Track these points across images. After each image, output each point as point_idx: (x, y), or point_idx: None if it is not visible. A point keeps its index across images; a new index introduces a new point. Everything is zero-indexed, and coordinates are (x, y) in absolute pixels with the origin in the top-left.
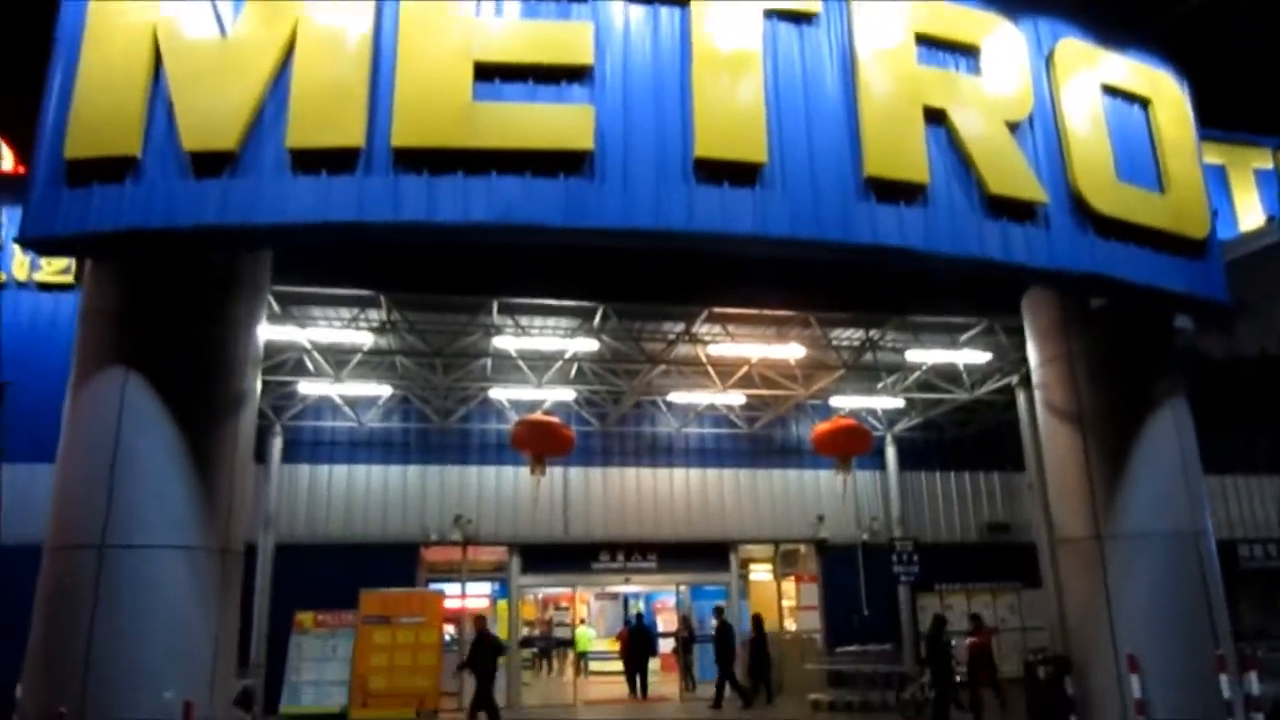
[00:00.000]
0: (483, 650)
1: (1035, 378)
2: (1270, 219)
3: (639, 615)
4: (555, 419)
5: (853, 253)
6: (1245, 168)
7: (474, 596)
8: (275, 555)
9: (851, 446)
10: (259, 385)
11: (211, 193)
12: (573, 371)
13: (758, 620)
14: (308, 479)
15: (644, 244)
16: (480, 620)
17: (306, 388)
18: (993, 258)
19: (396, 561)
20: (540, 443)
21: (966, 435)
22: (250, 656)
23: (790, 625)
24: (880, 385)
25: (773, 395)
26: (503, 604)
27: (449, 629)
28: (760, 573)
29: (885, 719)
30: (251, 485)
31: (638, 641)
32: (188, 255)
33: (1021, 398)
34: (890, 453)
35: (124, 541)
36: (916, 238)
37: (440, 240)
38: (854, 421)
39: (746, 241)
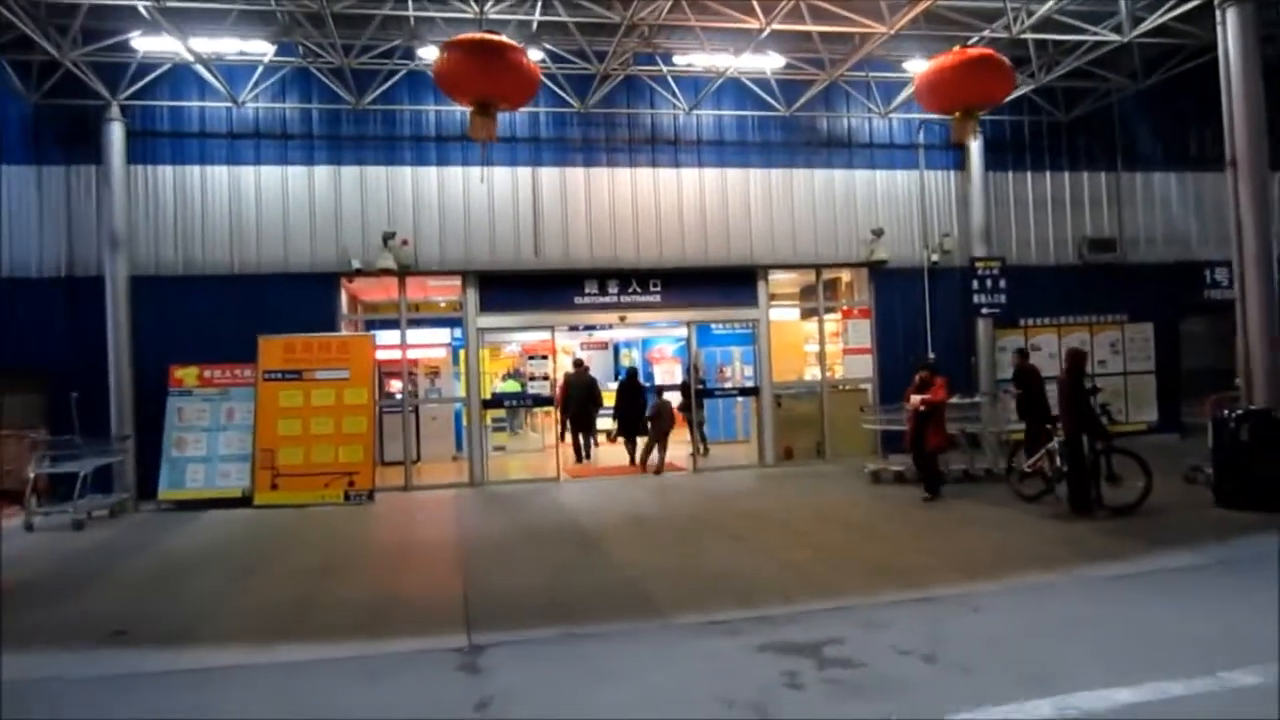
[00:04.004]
0: None
1: None
2: None
3: (577, 362)
4: (507, 39)
5: None
6: None
7: (423, 345)
8: (132, 290)
9: (983, 90)
10: None
11: None
12: (537, 9)
13: (631, 371)
14: (172, 185)
15: None
16: None
17: (145, 44)
18: None
19: (308, 298)
20: (483, 78)
21: (1068, 124)
22: (110, 427)
23: (810, 375)
24: (975, 40)
25: (836, 33)
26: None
27: (395, 385)
28: (783, 309)
29: (980, 495)
30: None
31: (579, 394)
32: None
33: (1232, 22)
34: (974, 144)
35: None
36: None
37: None
38: (988, 50)
39: None
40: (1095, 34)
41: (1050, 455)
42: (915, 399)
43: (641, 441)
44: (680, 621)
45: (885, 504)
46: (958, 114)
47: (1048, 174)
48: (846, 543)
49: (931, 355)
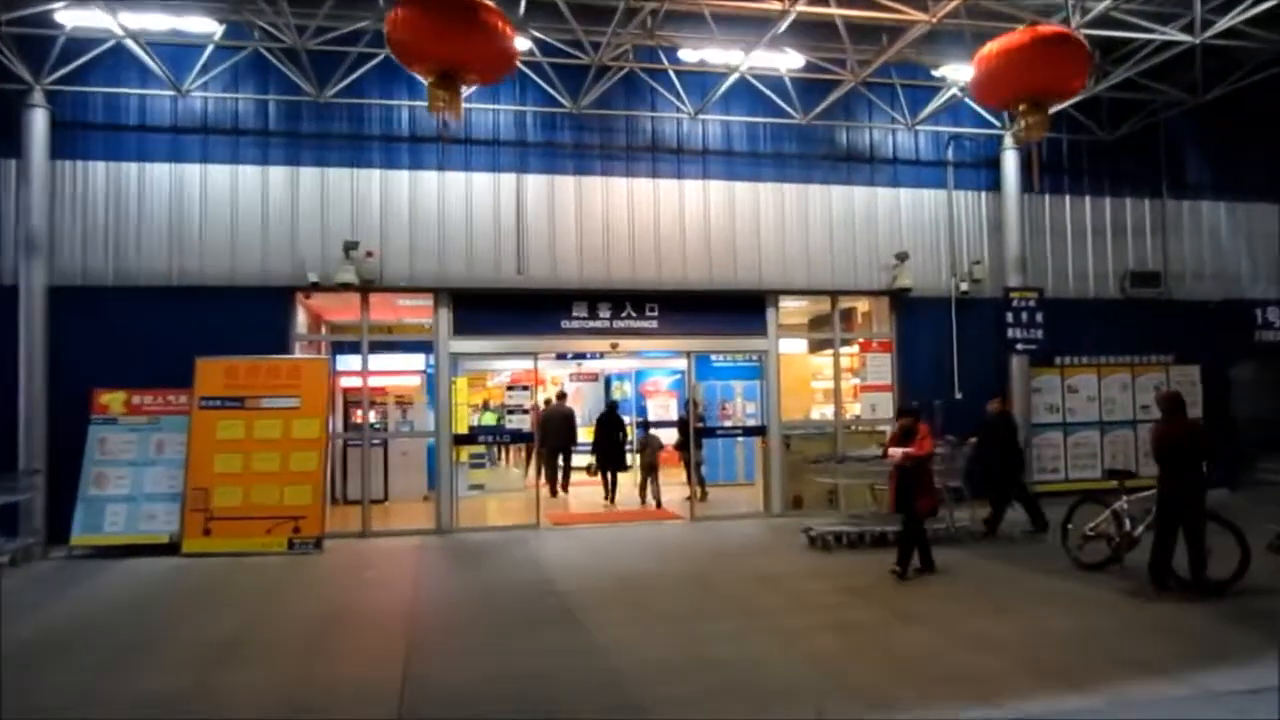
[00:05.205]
0: None
1: None
2: None
3: (560, 394)
4: None
5: None
6: None
7: (393, 372)
8: (52, 302)
9: (1058, 77)
10: None
11: None
12: None
13: (611, 405)
14: (104, 183)
15: None
16: None
17: (72, 18)
18: None
19: (257, 315)
20: (445, 42)
21: (1111, 143)
22: (19, 460)
23: (818, 413)
24: None
25: (867, 25)
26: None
27: (371, 415)
28: (792, 340)
29: (1024, 560)
30: None
31: (556, 427)
32: None
33: None
34: (1009, 162)
35: None
36: None
37: None
38: (1065, 28)
39: None
40: (1164, 34)
41: (1118, 517)
42: (896, 451)
43: (624, 477)
44: None
45: (912, 571)
46: (1022, 107)
47: (1087, 198)
48: (879, 623)
49: (963, 396)
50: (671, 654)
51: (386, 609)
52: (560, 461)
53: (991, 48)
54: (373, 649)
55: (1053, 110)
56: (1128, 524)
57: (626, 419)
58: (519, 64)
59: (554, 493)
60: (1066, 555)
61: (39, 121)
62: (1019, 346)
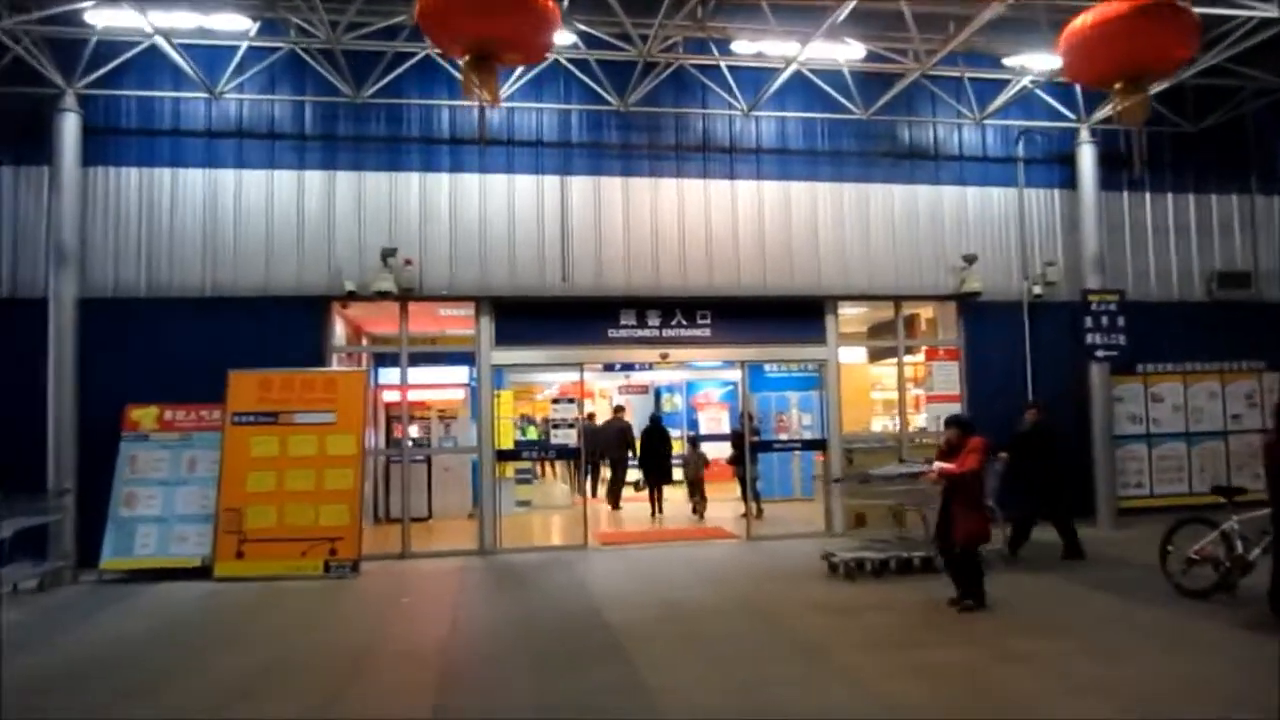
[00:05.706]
0: None
1: None
2: None
3: (618, 408)
4: None
5: None
6: None
7: (436, 385)
8: (83, 315)
9: (1159, 49)
10: None
11: None
12: None
13: (654, 418)
14: (137, 190)
15: None
16: None
17: (103, 18)
18: None
19: (292, 326)
20: (480, 17)
21: (1194, 135)
22: (48, 480)
23: (878, 425)
24: None
25: (936, 7)
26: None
27: (410, 429)
28: (852, 348)
29: (1113, 586)
30: None
31: (610, 440)
32: None
33: None
34: (1086, 156)
35: None
36: None
37: None
38: None
39: None
40: (1263, 10)
41: (1228, 539)
42: (937, 466)
43: (669, 491)
44: None
45: (996, 595)
46: (1119, 85)
47: (1169, 195)
48: (966, 664)
49: (1036, 406)
50: (728, 699)
51: (419, 643)
52: (614, 475)
53: (1085, 19)
54: (400, 693)
55: (1153, 90)
56: (1239, 546)
57: (676, 433)
58: (563, 60)
59: (605, 504)
60: (1166, 580)
61: (70, 126)
62: (1099, 353)
